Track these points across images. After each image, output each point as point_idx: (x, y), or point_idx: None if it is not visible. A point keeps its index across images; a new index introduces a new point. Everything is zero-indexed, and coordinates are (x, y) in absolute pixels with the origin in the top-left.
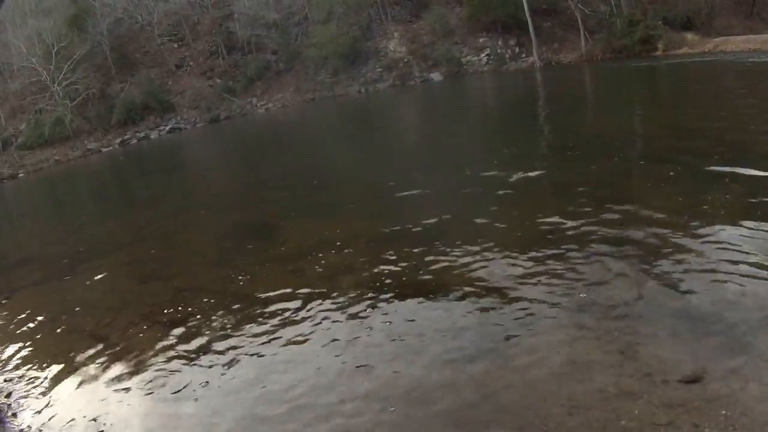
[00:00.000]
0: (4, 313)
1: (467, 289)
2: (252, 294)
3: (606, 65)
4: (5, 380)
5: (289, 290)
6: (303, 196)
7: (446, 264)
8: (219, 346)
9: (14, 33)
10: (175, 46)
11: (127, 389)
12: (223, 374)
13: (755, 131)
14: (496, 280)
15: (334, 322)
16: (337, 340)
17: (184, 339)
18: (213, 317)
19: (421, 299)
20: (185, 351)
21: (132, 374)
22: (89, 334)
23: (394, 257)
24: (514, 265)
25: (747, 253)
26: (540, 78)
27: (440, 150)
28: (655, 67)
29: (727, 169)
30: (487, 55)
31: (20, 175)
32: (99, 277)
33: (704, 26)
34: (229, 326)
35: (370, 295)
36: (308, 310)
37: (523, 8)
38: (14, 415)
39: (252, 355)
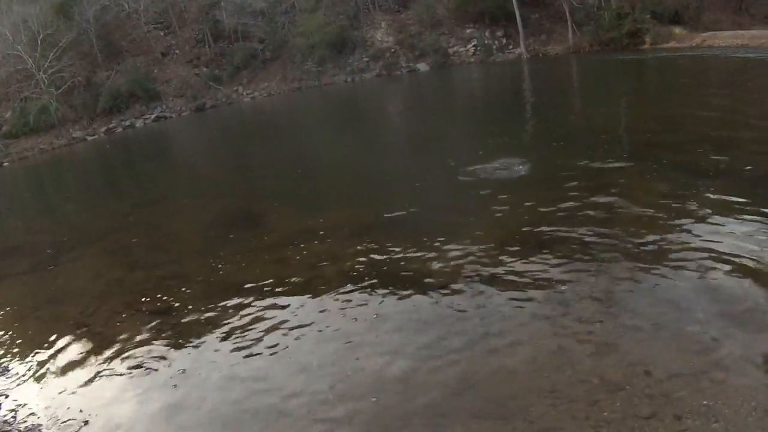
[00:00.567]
0: None
1: (450, 281)
2: (236, 283)
3: (593, 58)
4: None
5: (272, 280)
6: (287, 186)
7: (429, 255)
8: (202, 335)
9: (0, 20)
10: (162, 34)
11: (111, 377)
12: (206, 363)
13: (740, 126)
14: (480, 273)
15: (317, 312)
16: (321, 330)
17: (168, 328)
18: (197, 306)
19: (404, 290)
20: (169, 339)
21: (116, 363)
22: (73, 323)
23: (377, 248)
24: (497, 257)
25: (730, 246)
26: (527, 69)
27: (425, 141)
28: (642, 60)
29: (712, 162)
30: (474, 45)
31: (5, 164)
32: (83, 266)
33: (692, 21)
34: (212, 315)
35: (353, 285)
36: (292, 300)
37: None
38: None
39: (235, 344)
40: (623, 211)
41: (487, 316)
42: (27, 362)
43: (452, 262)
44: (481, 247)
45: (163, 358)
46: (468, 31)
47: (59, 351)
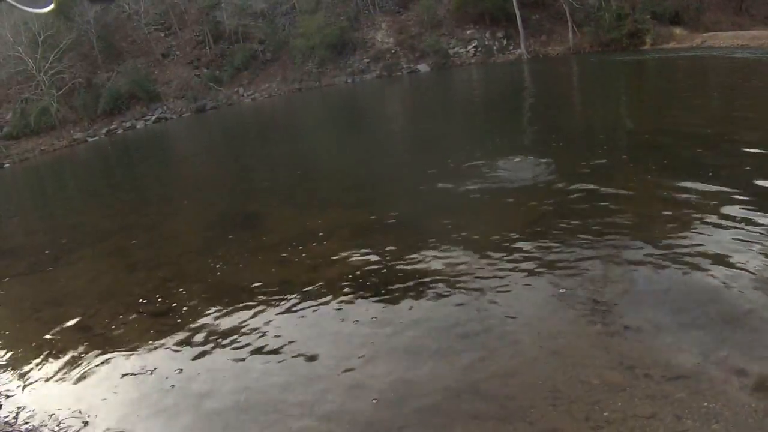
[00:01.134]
0: None
1: (450, 281)
2: (235, 284)
3: (593, 58)
4: None
5: (272, 281)
6: (287, 186)
7: (428, 256)
8: (203, 335)
9: (0, 21)
10: (162, 35)
11: (111, 378)
12: (206, 364)
13: (740, 126)
14: (479, 273)
15: (317, 313)
16: (321, 331)
17: (168, 329)
18: (196, 307)
19: (403, 291)
20: (169, 341)
21: (116, 363)
22: (74, 325)
23: (377, 248)
24: (496, 257)
25: (730, 247)
26: (527, 70)
27: (424, 141)
28: (643, 60)
29: (712, 163)
30: (474, 46)
31: (6, 165)
32: (83, 267)
33: (692, 21)
34: (212, 316)
35: (353, 286)
36: (291, 301)
37: (511, 0)
38: None
39: (234, 345)
40: (623, 211)
41: (487, 317)
42: (28, 364)
43: (452, 263)
44: (480, 247)
45: (163, 358)
46: (468, 32)
47: (59, 352)
